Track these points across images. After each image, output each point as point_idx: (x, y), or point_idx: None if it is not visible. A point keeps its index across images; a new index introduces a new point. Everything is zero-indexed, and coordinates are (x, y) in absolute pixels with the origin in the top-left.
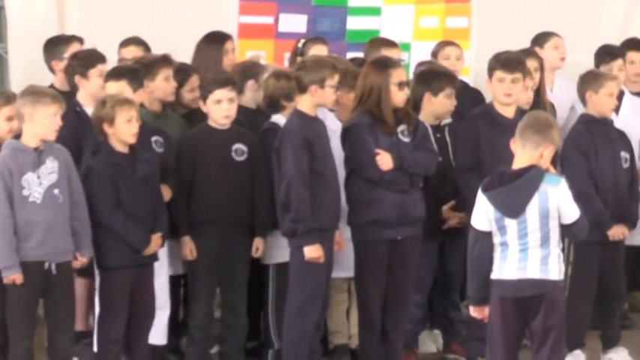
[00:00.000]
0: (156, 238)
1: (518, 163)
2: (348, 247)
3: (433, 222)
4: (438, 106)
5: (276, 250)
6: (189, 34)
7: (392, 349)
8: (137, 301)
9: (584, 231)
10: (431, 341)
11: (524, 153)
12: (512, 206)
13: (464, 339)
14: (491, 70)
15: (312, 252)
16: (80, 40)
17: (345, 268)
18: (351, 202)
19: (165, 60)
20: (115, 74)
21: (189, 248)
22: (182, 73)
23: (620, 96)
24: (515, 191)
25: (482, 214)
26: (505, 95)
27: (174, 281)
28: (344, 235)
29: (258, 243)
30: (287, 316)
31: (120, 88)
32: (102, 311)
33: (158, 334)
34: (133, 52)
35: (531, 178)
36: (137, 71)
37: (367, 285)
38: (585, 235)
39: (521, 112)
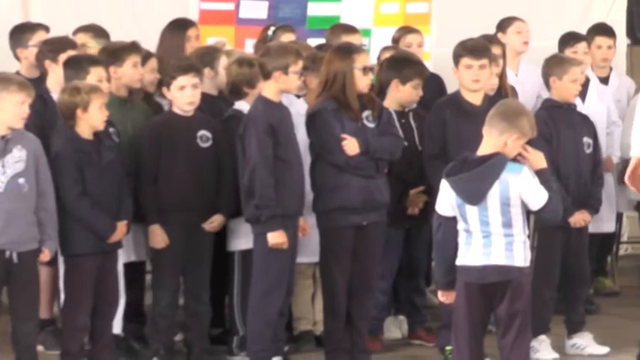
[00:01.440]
0: (121, 225)
1: (482, 150)
2: (313, 233)
3: (399, 208)
4: (404, 95)
5: (240, 236)
6: (151, 21)
7: (357, 335)
8: (101, 289)
9: (556, 215)
10: (396, 327)
11: (489, 139)
12: (472, 193)
13: (430, 326)
14: (457, 57)
15: (276, 238)
16: (46, 29)
17: (309, 254)
18: (316, 188)
19: (133, 47)
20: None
21: (160, 237)
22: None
23: (587, 82)
24: (476, 178)
25: (446, 199)
26: (473, 81)
27: (138, 268)
28: (308, 221)
29: (216, 218)
30: (251, 302)
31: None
32: (67, 299)
33: (115, 324)
34: (81, 40)
35: (493, 165)
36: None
37: (332, 271)
38: (560, 218)
39: (488, 100)
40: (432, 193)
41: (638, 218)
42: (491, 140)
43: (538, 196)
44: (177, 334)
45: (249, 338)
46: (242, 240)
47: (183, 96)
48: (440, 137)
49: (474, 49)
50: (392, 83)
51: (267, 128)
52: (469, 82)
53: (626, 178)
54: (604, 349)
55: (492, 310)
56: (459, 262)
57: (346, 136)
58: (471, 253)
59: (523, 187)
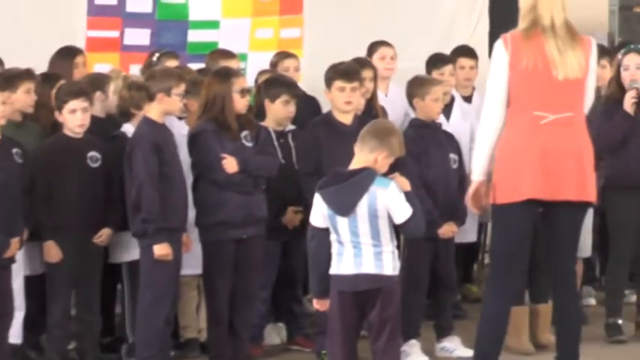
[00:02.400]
0: (14, 242)
1: (353, 165)
2: (196, 247)
3: (277, 222)
4: (276, 112)
5: (126, 249)
6: (41, 48)
7: (239, 342)
8: None
9: (418, 229)
10: (275, 334)
11: (360, 155)
12: (342, 204)
13: (308, 332)
14: (330, 80)
15: (161, 250)
16: None
17: (193, 266)
18: (198, 204)
19: (27, 74)
20: None
21: (54, 252)
22: (50, 79)
23: (452, 102)
24: (346, 190)
25: (318, 211)
26: (345, 103)
27: (33, 281)
28: (191, 235)
29: (104, 232)
30: (139, 312)
31: None
32: None
33: (14, 334)
34: None
35: (362, 179)
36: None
37: (215, 282)
38: (422, 232)
39: (359, 120)
40: (307, 209)
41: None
42: (362, 156)
43: (402, 211)
44: (70, 342)
45: (138, 346)
46: (127, 252)
47: (75, 119)
48: (314, 155)
49: (346, 72)
50: (264, 103)
51: (152, 147)
52: (342, 104)
53: (467, 200)
54: (471, 352)
55: (364, 317)
56: (332, 271)
57: (225, 156)
58: (343, 263)
59: (390, 200)
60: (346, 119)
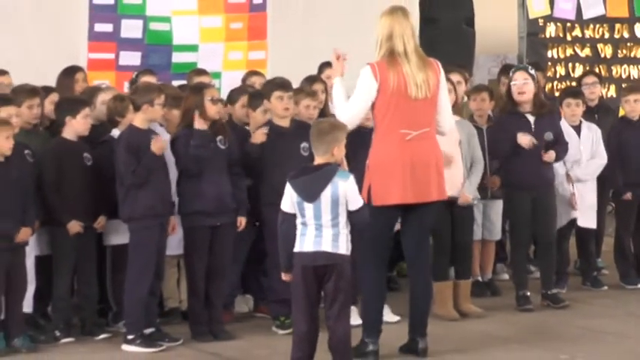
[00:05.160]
0: (25, 230)
1: (316, 162)
2: (177, 231)
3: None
4: (256, 120)
5: (114, 234)
6: (50, 67)
7: (214, 310)
8: (12, 277)
9: (364, 219)
10: (244, 303)
11: (318, 157)
12: (309, 192)
13: (268, 302)
14: (269, 92)
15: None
16: None
17: (173, 248)
18: (179, 195)
19: (32, 91)
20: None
21: (77, 227)
22: (45, 91)
23: None
24: (313, 181)
25: (288, 198)
26: (284, 109)
27: (42, 260)
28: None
29: (101, 219)
30: (126, 283)
31: (9, 112)
32: None
33: (27, 304)
34: None
35: (326, 172)
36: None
37: (193, 261)
38: (366, 222)
39: (295, 123)
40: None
41: None
42: (320, 157)
43: (357, 199)
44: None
45: (125, 313)
46: (118, 236)
47: (86, 123)
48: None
49: (282, 84)
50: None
51: (129, 148)
52: (281, 110)
53: None
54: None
55: (322, 288)
56: (296, 249)
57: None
58: (306, 242)
59: (348, 189)
60: (284, 123)
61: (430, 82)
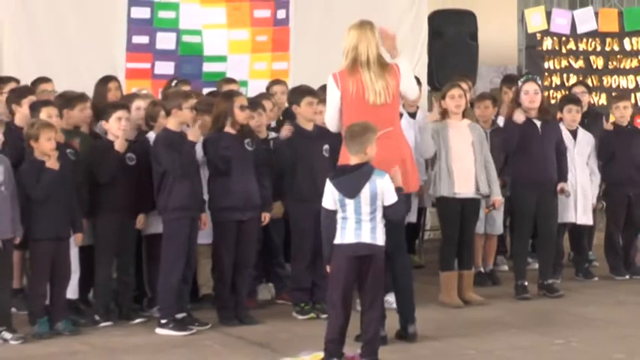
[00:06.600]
0: (77, 236)
1: (353, 161)
2: (208, 226)
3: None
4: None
5: (150, 225)
6: (91, 76)
7: (239, 297)
8: (57, 266)
9: (398, 213)
10: (267, 291)
11: (353, 155)
12: (350, 189)
13: (289, 289)
14: (300, 98)
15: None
16: (17, 81)
17: (207, 237)
18: (209, 192)
19: (82, 97)
20: (45, 103)
21: (144, 219)
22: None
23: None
24: (353, 179)
25: (330, 196)
26: (315, 113)
27: (85, 250)
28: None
29: (140, 217)
30: (160, 272)
31: (49, 112)
32: (32, 273)
33: (72, 290)
34: (43, 87)
35: (364, 171)
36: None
37: (222, 252)
38: (400, 217)
39: (317, 127)
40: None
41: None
42: (355, 155)
43: (392, 195)
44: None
45: (159, 299)
46: (151, 227)
47: (120, 124)
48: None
49: (309, 91)
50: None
51: (171, 145)
52: (311, 114)
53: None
54: None
55: (360, 275)
56: (336, 241)
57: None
58: (347, 234)
59: (384, 186)
60: (309, 126)
61: (390, 88)
